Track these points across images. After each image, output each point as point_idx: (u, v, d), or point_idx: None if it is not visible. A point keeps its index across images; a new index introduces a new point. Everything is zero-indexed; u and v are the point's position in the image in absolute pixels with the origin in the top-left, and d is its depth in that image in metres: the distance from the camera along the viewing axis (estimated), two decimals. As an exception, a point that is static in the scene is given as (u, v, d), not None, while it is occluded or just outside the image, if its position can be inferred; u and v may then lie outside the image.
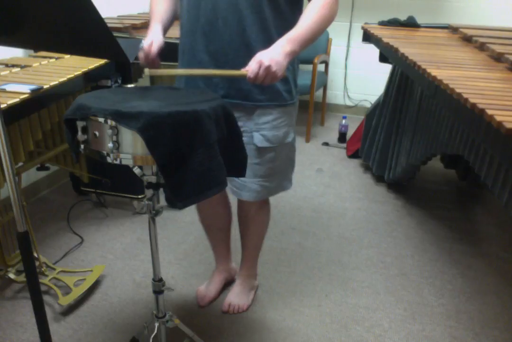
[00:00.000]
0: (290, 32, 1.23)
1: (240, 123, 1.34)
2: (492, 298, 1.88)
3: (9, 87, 1.53)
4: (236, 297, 1.78)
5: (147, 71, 1.20)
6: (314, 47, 3.52)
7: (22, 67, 1.82)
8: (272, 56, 1.18)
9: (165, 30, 1.40)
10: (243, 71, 1.20)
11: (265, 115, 1.41)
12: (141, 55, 1.30)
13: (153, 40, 1.30)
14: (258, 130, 1.42)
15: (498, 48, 1.93)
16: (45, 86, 1.58)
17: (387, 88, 2.75)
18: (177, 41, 1.44)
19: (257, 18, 1.29)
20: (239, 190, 1.52)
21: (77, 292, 1.75)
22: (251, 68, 1.18)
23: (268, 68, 1.17)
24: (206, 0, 1.29)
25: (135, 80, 2.22)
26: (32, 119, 1.65)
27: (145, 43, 1.30)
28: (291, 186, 1.61)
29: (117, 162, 1.06)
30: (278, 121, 1.43)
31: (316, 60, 3.33)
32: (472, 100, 1.31)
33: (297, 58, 1.44)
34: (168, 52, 1.38)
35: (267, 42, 1.24)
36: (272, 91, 1.38)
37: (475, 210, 2.60)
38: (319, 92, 3.76)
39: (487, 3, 3.53)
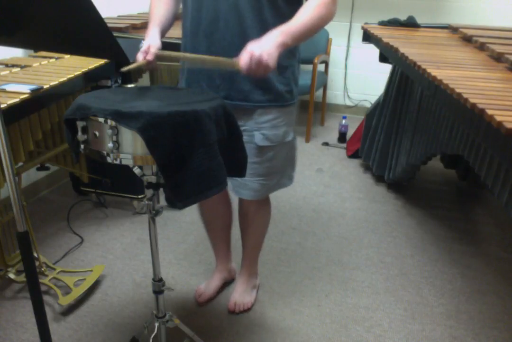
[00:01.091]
0: (284, 25, 1.23)
1: (240, 123, 1.34)
2: (492, 298, 1.88)
3: (9, 87, 1.53)
4: (240, 296, 1.78)
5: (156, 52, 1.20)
6: (314, 47, 3.53)
7: (22, 67, 1.82)
8: (263, 46, 1.17)
9: (163, 33, 1.40)
10: (234, 60, 1.19)
11: (265, 114, 1.41)
12: (139, 58, 1.29)
13: (150, 44, 1.30)
14: (258, 129, 1.42)
15: (498, 48, 1.93)
16: (45, 86, 1.58)
17: (387, 88, 2.75)
18: (178, 41, 1.44)
19: (257, 19, 1.29)
20: (239, 188, 1.53)
21: (77, 292, 1.75)
22: (243, 59, 1.17)
23: (259, 58, 1.15)
24: (207, 2, 1.30)
25: (135, 80, 2.22)
26: (32, 119, 1.65)
27: (143, 48, 1.30)
28: (292, 183, 1.62)
29: (117, 162, 1.06)
30: (278, 121, 1.43)
31: (316, 60, 3.33)
32: (472, 100, 1.31)
33: (298, 58, 1.44)
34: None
35: None
36: (273, 92, 1.38)
37: (475, 210, 2.60)
38: (319, 92, 3.75)
39: (487, 3, 3.53)
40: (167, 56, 1.26)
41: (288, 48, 1.25)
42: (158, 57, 1.26)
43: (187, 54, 1.36)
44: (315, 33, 1.29)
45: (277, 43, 1.19)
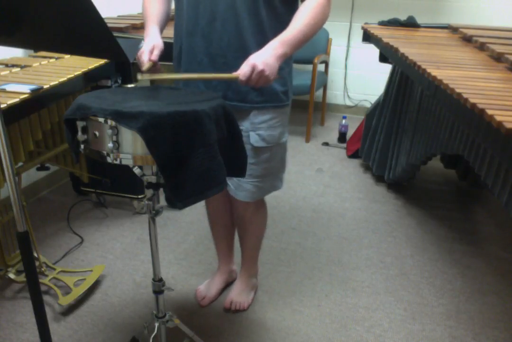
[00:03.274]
0: (283, 34, 1.23)
1: None
2: (492, 298, 1.88)
3: (9, 87, 1.53)
4: (237, 295, 1.79)
5: (139, 75, 1.19)
6: (314, 47, 3.52)
7: (22, 67, 1.82)
8: (265, 59, 1.18)
9: (161, 31, 1.40)
10: (235, 74, 1.20)
11: (261, 115, 1.41)
12: (143, 60, 1.29)
13: (154, 44, 1.30)
14: (254, 130, 1.42)
15: (498, 48, 1.93)
16: (45, 86, 1.58)
17: (387, 88, 2.75)
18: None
19: (254, 20, 1.29)
20: (235, 189, 1.53)
21: (77, 292, 1.75)
22: (243, 71, 1.18)
23: (261, 72, 1.17)
24: (204, 2, 1.29)
25: (135, 80, 2.21)
26: (32, 119, 1.65)
27: (146, 48, 1.29)
28: (282, 185, 1.62)
29: (117, 162, 1.06)
30: (274, 121, 1.44)
31: (316, 60, 3.33)
32: (472, 100, 1.31)
33: (292, 59, 1.45)
34: (169, 53, 1.38)
35: (263, 44, 1.24)
36: (269, 93, 1.39)
37: (475, 210, 2.60)
38: (319, 92, 3.75)
39: (487, 3, 3.53)
40: (167, 79, 1.26)
41: (288, 57, 1.26)
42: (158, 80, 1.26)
43: (187, 75, 1.35)
44: (312, 37, 1.29)
45: (277, 55, 1.20)
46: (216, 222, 1.80)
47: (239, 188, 1.52)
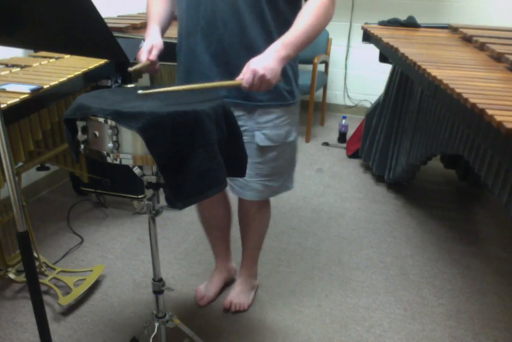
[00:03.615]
0: (285, 35, 1.22)
1: (241, 123, 1.33)
2: (492, 298, 1.88)
3: (9, 87, 1.53)
4: (237, 296, 1.78)
5: (141, 91, 1.17)
6: (314, 47, 3.52)
7: (22, 67, 1.82)
8: (266, 64, 1.16)
9: (163, 31, 1.40)
10: (237, 80, 1.19)
11: (266, 114, 1.41)
12: (141, 59, 1.28)
13: (153, 44, 1.30)
14: (259, 129, 1.42)
15: (498, 48, 1.93)
16: (45, 86, 1.58)
17: (387, 88, 2.75)
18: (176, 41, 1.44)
19: (256, 18, 1.29)
20: (242, 189, 1.53)
21: (77, 292, 1.75)
22: (245, 77, 1.16)
23: (262, 77, 1.15)
24: (205, 2, 1.29)
25: (135, 80, 2.22)
26: (32, 119, 1.65)
27: (145, 47, 1.29)
28: (292, 185, 1.62)
29: (117, 162, 1.06)
30: (280, 120, 1.43)
31: (316, 60, 3.33)
32: (472, 100, 1.31)
33: (297, 57, 1.44)
34: (169, 53, 1.38)
35: (268, 42, 1.23)
36: (273, 92, 1.38)
37: (475, 210, 2.60)
38: (319, 92, 3.76)
39: (487, 3, 3.53)
40: (170, 91, 1.24)
41: (291, 59, 1.25)
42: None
43: (188, 86, 1.33)
44: (316, 38, 1.28)
45: (280, 58, 1.19)
46: (210, 223, 1.79)
47: (246, 187, 1.51)
